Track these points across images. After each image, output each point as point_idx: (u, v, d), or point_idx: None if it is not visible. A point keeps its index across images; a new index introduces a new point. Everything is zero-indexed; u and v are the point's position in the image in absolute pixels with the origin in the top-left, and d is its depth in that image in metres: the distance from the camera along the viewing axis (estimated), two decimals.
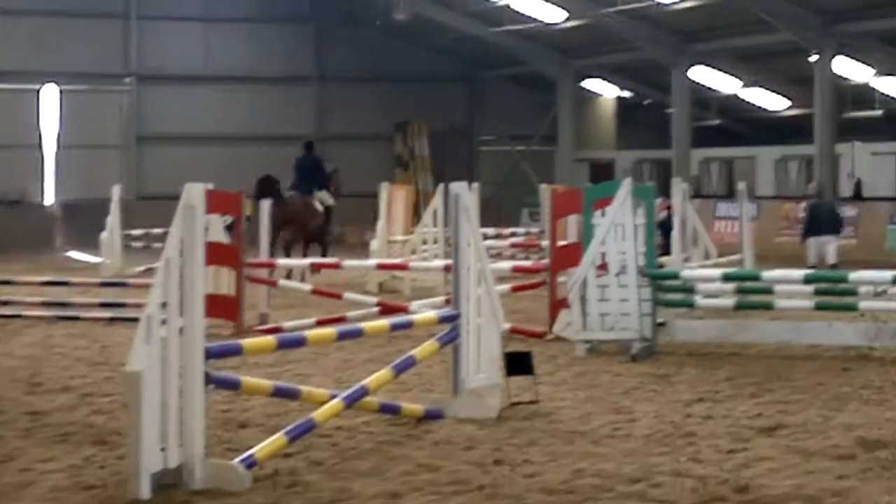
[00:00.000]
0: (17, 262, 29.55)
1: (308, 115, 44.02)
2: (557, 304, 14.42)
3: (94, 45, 41.58)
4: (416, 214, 28.33)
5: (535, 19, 37.63)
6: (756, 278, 14.02)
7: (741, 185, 20.11)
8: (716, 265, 18.04)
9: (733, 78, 39.96)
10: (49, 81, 41.27)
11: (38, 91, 41.40)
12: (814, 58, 32.18)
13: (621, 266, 13.10)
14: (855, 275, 13.22)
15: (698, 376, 11.68)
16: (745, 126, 44.28)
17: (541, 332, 14.41)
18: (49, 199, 41.57)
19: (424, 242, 21.96)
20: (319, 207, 23.38)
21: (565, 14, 36.72)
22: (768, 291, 13.92)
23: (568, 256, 14.55)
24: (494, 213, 37.97)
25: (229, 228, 17.65)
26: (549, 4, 36.59)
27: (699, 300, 14.10)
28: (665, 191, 20.21)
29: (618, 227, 13.13)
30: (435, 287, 20.06)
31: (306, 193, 23.18)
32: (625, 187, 13.22)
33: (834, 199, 25.29)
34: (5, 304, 17.30)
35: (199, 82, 42.83)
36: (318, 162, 24.74)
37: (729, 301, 14.17)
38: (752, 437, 8.81)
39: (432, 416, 9.43)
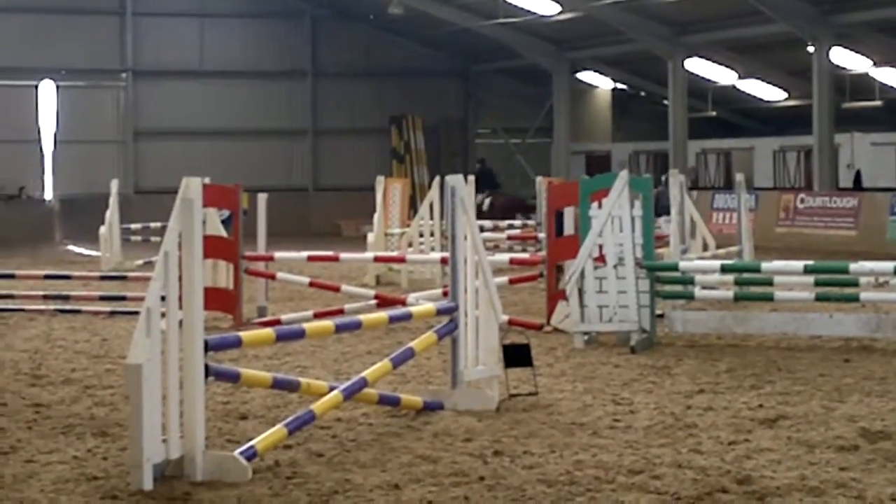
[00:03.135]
0: (17, 257, 29.54)
1: (303, 109, 44.02)
2: (555, 296, 14.44)
3: (90, 41, 41.56)
4: (412, 207, 28.36)
5: (529, 11, 37.59)
6: (756, 270, 14.05)
7: (739, 177, 20.12)
8: (714, 257, 18.07)
9: (729, 69, 39.95)
10: (46, 77, 41.25)
11: (35, 87, 41.37)
12: (811, 48, 32.16)
13: (619, 258, 13.12)
14: (856, 265, 13.22)
15: (698, 368, 11.71)
16: (742, 117, 44.26)
17: (539, 324, 14.44)
18: (48, 193, 41.58)
19: (421, 235, 21.98)
20: None
21: (559, 6, 36.71)
22: (768, 283, 13.94)
23: (565, 248, 14.57)
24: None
25: (227, 222, 17.66)
26: None
27: (698, 292, 14.12)
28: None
29: (615, 218, 13.15)
30: (432, 279, 20.08)
31: None
32: (622, 179, 13.24)
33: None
34: (7, 297, 17.33)
35: (195, 77, 42.82)
36: None
37: (728, 292, 14.20)
38: (753, 429, 8.82)
39: (431, 407, 9.45)
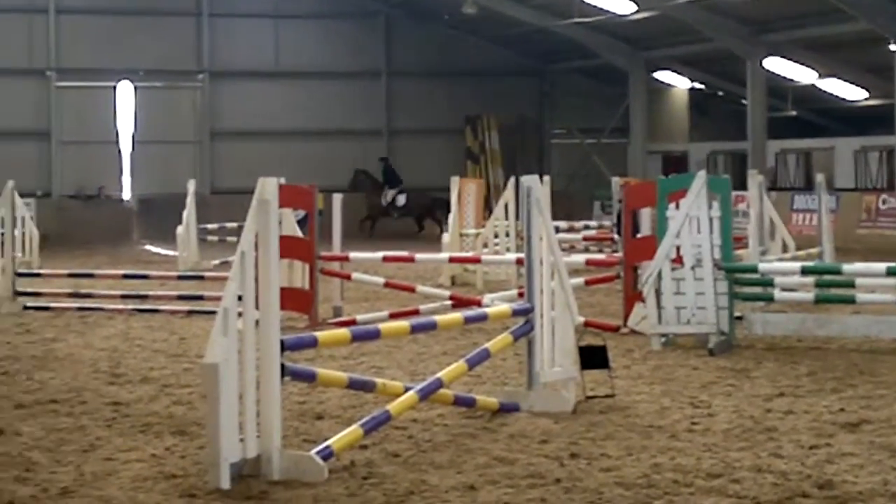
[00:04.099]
0: (96, 256, 29.91)
1: (378, 109, 44.17)
2: (632, 298, 14.34)
3: (167, 42, 41.99)
4: (487, 208, 28.31)
5: (604, 11, 37.45)
6: (837, 272, 13.85)
7: (819, 177, 19.89)
8: (794, 258, 17.86)
9: (809, 69, 39.53)
10: (124, 78, 41.71)
11: (113, 88, 41.87)
12: (893, 47, 31.71)
13: (697, 259, 13.00)
14: None
15: (778, 371, 11.55)
16: (822, 117, 43.79)
17: (615, 326, 14.34)
18: (126, 193, 42.03)
19: (496, 236, 21.94)
20: None
21: (635, 5, 36.51)
22: (850, 285, 13.73)
23: (642, 249, 14.46)
24: (566, 206, 37.88)
25: (302, 222, 17.74)
26: None
27: (778, 294, 13.94)
28: (741, 183, 20.04)
29: (693, 219, 13.03)
30: (507, 280, 20.03)
31: None
32: (699, 179, 13.11)
33: None
34: (86, 296, 17.52)
35: (270, 78, 43.12)
36: None
37: (809, 294, 14.01)
38: (834, 433, 8.67)
39: (507, 409, 9.40)
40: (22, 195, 21.71)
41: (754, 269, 13.88)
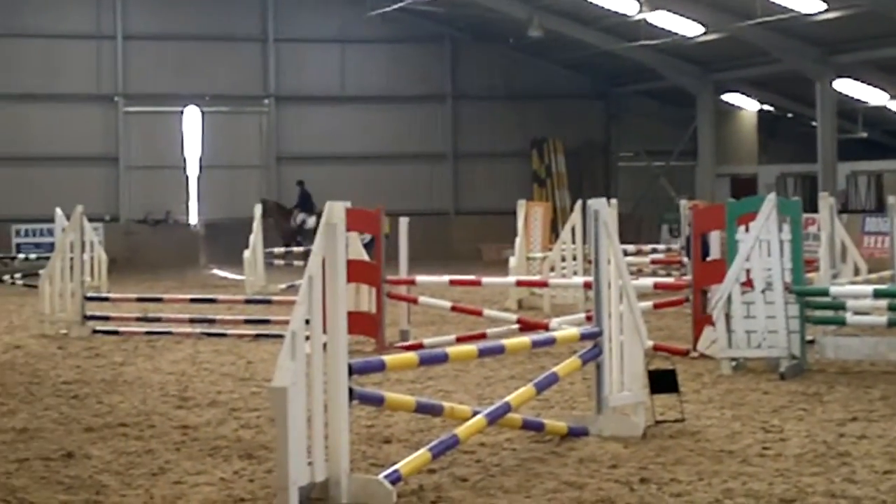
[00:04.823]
0: (163, 280, 30.13)
1: (444, 133, 44.26)
2: (701, 321, 14.21)
3: (233, 68, 42.37)
4: (553, 231, 28.25)
5: (671, 33, 37.31)
6: None
7: (891, 199, 19.60)
8: (866, 281, 17.63)
9: (880, 90, 39.14)
10: (190, 103, 42.09)
11: (180, 113, 42.25)
12: None
13: (767, 282, 12.87)
14: None
15: (851, 395, 11.39)
16: (894, 138, 43.34)
17: (685, 350, 14.22)
18: (193, 218, 42.36)
19: (563, 259, 21.85)
20: None
21: (702, 27, 36.35)
22: None
23: (711, 273, 14.34)
24: (633, 229, 37.72)
25: (368, 246, 17.75)
26: (685, 18, 36.24)
27: (850, 317, 13.75)
28: (812, 205, 19.84)
29: (763, 242, 12.90)
30: (574, 304, 19.93)
31: None
32: (769, 202, 12.99)
33: None
34: (154, 320, 17.63)
35: (336, 102, 43.35)
36: None
37: (882, 318, 13.80)
38: None
39: (576, 433, 9.33)
40: (90, 220, 21.86)
41: (826, 293, 13.71)
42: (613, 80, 45.22)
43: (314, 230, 36.42)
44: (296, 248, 33.33)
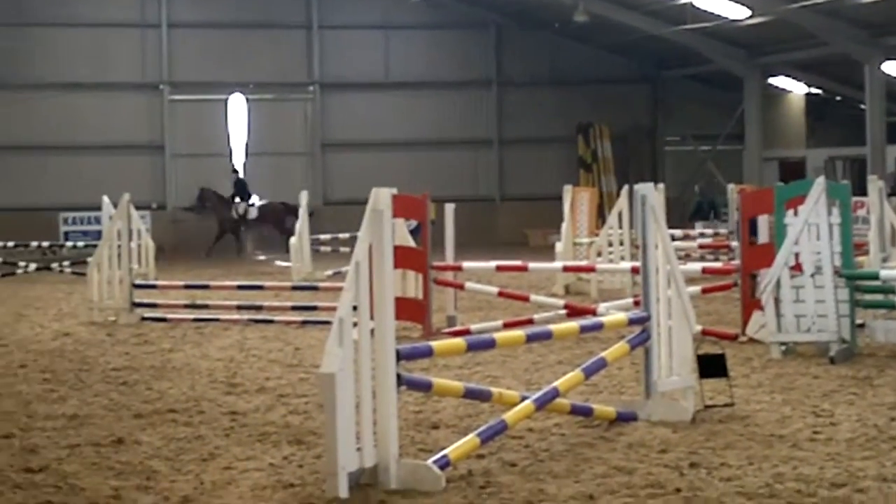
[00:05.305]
0: (210, 268, 30.27)
1: (489, 119, 44.19)
2: (750, 306, 14.13)
3: (278, 55, 42.45)
4: (600, 216, 28.16)
5: (718, 16, 37.07)
6: None
7: None
8: None
9: None
10: (235, 91, 42.22)
11: (225, 101, 42.39)
12: None
13: (816, 266, 12.78)
14: None
15: None
16: None
17: (733, 335, 14.15)
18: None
19: (610, 244, 21.79)
20: None
21: (749, 11, 36.08)
22: None
23: (760, 257, 14.25)
24: (680, 214, 37.55)
25: (414, 232, 17.77)
26: (732, 2, 35.99)
27: None
28: (861, 188, 19.67)
29: (812, 226, 12.81)
30: (622, 289, 19.87)
31: None
32: (818, 186, 12.89)
33: None
34: (202, 307, 17.72)
35: (381, 89, 43.35)
36: None
37: None
38: None
39: (625, 418, 9.30)
40: (137, 207, 22.02)
41: (875, 276, 13.59)
42: (660, 64, 44.99)
43: (258, 218, 35.58)
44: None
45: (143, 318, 17.50)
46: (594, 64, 44.37)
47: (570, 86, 44.10)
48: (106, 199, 22.12)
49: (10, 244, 28.66)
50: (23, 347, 14.94)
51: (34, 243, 29.17)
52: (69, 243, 31.92)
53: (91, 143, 40.77)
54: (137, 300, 17.84)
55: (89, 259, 18.92)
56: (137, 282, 18.81)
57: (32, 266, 27.60)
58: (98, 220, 32.79)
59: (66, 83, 40.72)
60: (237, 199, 37.93)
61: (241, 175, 38.81)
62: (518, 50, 44.14)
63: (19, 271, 27.44)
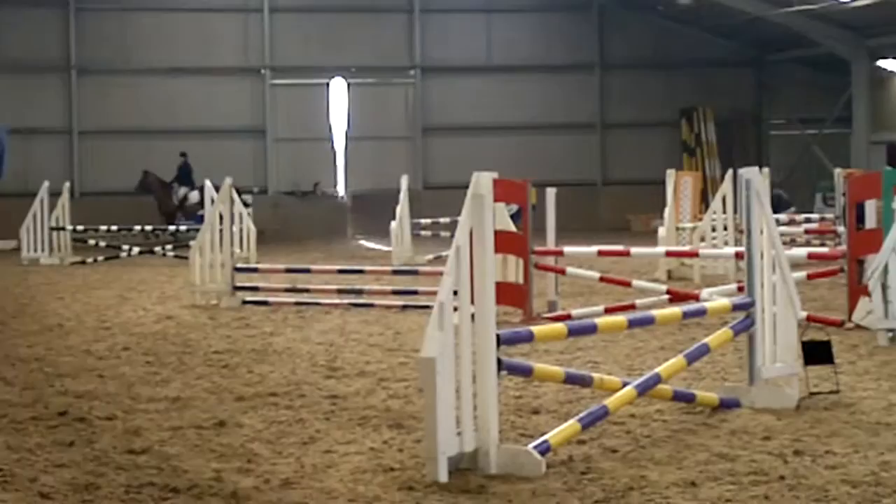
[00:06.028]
0: (311, 252, 30.49)
1: (591, 102, 43.97)
2: (856, 292, 13.89)
3: (379, 39, 42.58)
4: (703, 201, 27.89)
5: None
6: None
7: None
8: None
9: None
10: (337, 75, 42.42)
11: (326, 85, 42.61)
12: None
13: None
14: None
15: None
16: None
17: (839, 321, 13.92)
18: (340, 189, 42.76)
19: (713, 229, 21.56)
20: None
21: None
22: None
23: (867, 242, 14.00)
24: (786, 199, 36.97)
25: (515, 217, 17.70)
26: None
27: None
28: None
29: None
30: (725, 275, 19.66)
31: None
32: None
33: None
34: (303, 291, 17.82)
35: (483, 72, 43.31)
36: None
37: None
38: None
39: (728, 405, 9.19)
40: (239, 192, 22.23)
41: None
42: (765, 47, 44.41)
43: (200, 205, 34.08)
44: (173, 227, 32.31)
45: (245, 302, 17.64)
46: (698, 46, 43.92)
47: (673, 69, 43.71)
48: (208, 183, 22.34)
49: (114, 228, 29.11)
50: (126, 330, 15.13)
51: (137, 227, 29.58)
52: (172, 227, 32.31)
53: (194, 128, 41.23)
54: (239, 284, 17.99)
55: (192, 243, 19.13)
56: (239, 265, 18.97)
57: (136, 249, 27.99)
58: (201, 204, 33.15)
59: (170, 68, 41.22)
60: (178, 185, 37.50)
61: (187, 160, 38.31)
62: (621, 32, 43.84)
63: (123, 255, 27.85)
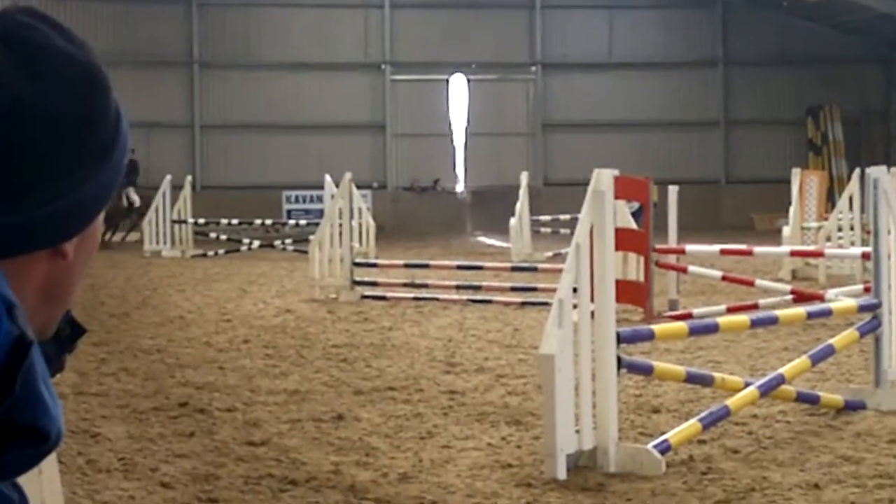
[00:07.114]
0: (430, 247, 30.56)
1: (715, 99, 43.47)
2: None
3: (499, 35, 42.51)
4: (829, 200, 27.42)
5: None
6: None
7: None
8: None
9: None
10: (457, 71, 42.46)
11: (446, 81, 42.67)
12: None
13: None
14: None
15: None
16: None
17: None
18: (460, 185, 42.79)
19: (840, 229, 21.18)
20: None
21: None
22: None
23: None
24: None
25: (636, 214, 17.55)
26: None
27: None
28: None
29: None
30: (851, 275, 19.30)
31: None
32: None
33: None
34: (422, 286, 17.85)
35: (604, 69, 43.04)
36: None
37: None
38: None
39: (853, 407, 9.01)
40: (358, 187, 22.34)
41: None
42: (893, 44, 43.52)
43: (142, 206, 32.59)
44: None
45: (364, 297, 17.70)
46: (825, 44, 43.18)
47: (799, 66, 43.04)
48: (328, 177, 22.49)
49: (235, 221, 29.45)
50: (246, 323, 15.27)
51: (258, 221, 29.89)
52: (291, 221, 32.61)
53: (314, 123, 41.56)
54: (358, 278, 18.06)
55: (311, 237, 19.25)
56: (358, 260, 19.05)
57: (256, 243, 28.29)
58: (320, 199, 33.48)
59: (291, 63, 41.58)
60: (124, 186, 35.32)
61: (134, 157, 36.45)
62: (746, 29, 43.27)
63: (243, 248, 28.15)
